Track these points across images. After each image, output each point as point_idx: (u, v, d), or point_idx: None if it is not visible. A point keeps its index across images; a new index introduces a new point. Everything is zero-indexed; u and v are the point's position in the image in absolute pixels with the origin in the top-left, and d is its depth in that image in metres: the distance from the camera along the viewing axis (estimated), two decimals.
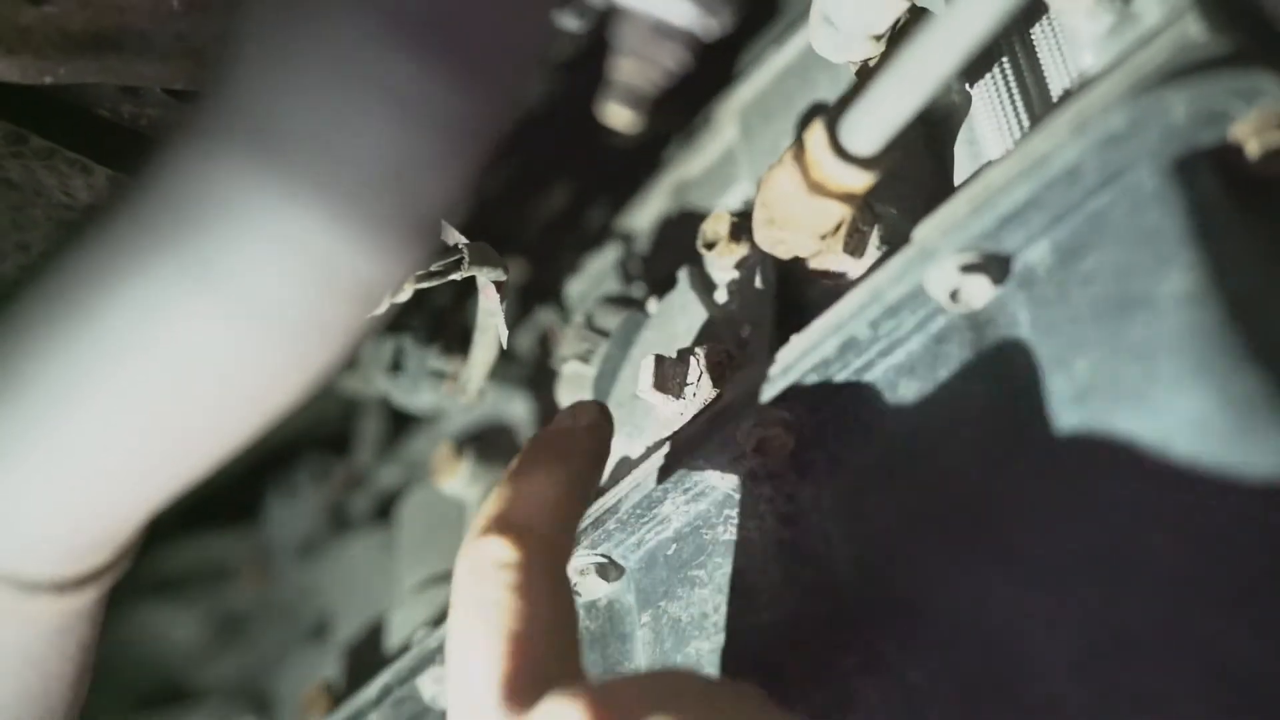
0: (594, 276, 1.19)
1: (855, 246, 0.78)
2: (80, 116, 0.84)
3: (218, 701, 1.53)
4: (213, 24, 0.80)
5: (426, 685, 0.92)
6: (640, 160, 1.23)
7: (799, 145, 0.72)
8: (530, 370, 1.24)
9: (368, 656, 1.20)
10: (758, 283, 0.89)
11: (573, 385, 1.03)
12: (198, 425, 0.60)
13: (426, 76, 0.55)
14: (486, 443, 1.19)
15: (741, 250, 0.92)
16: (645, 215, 1.20)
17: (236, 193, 0.54)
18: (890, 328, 0.72)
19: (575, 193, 1.38)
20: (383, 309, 0.73)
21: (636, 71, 0.65)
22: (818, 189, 0.71)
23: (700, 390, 0.83)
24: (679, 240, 1.13)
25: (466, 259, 0.85)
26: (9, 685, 0.70)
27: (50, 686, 0.73)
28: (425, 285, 0.83)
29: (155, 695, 1.59)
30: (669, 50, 0.65)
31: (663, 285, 1.04)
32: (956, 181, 0.83)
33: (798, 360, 0.75)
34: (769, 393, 0.76)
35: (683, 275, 0.96)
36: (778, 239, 0.77)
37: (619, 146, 1.30)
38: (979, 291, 0.70)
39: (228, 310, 0.55)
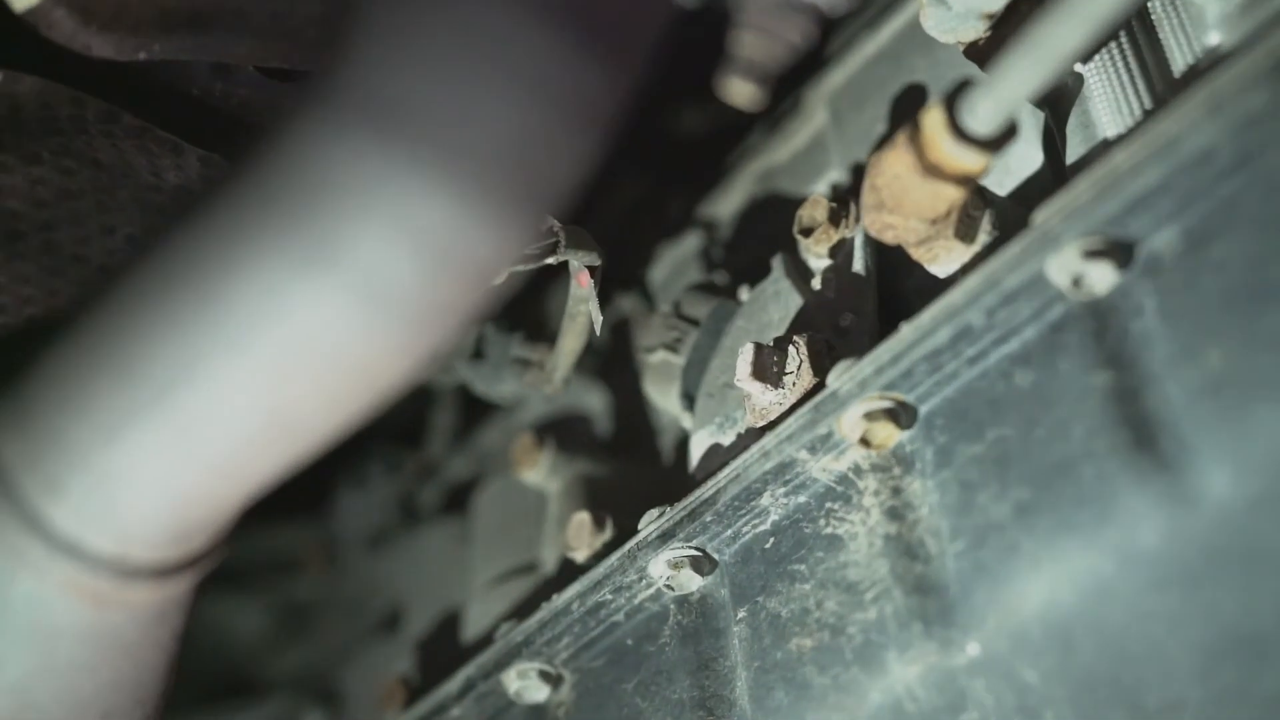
0: (676, 264, 1.17)
1: (966, 231, 0.76)
2: (171, 96, 0.83)
3: (284, 694, 1.52)
4: (309, 3, 0.78)
5: (511, 680, 0.91)
6: (722, 146, 1.21)
7: (914, 126, 0.69)
8: (608, 359, 1.22)
9: (442, 650, 1.19)
10: (857, 269, 0.87)
11: (661, 374, 1.01)
12: (310, 406, 0.58)
13: (553, 55, 0.53)
14: (564, 432, 1.17)
15: (839, 236, 0.90)
16: (729, 202, 1.18)
17: (359, 173, 0.52)
18: (1006, 316, 0.70)
19: (656, 179, 1.36)
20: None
21: (760, 46, 0.63)
22: (934, 171, 0.69)
23: (800, 379, 0.81)
24: (764, 227, 1.11)
25: (563, 242, 0.84)
26: (104, 674, 0.69)
27: (143, 676, 0.72)
28: (522, 268, 0.82)
29: (220, 688, 1.58)
30: (796, 24, 0.62)
31: (748, 273, 1.02)
32: (1069, 163, 0.80)
33: (908, 349, 0.72)
34: (876, 382, 0.74)
35: (777, 262, 0.94)
36: (886, 224, 0.74)
37: (700, 131, 1.27)
38: (1102, 278, 0.67)
39: (348, 290, 0.54)
